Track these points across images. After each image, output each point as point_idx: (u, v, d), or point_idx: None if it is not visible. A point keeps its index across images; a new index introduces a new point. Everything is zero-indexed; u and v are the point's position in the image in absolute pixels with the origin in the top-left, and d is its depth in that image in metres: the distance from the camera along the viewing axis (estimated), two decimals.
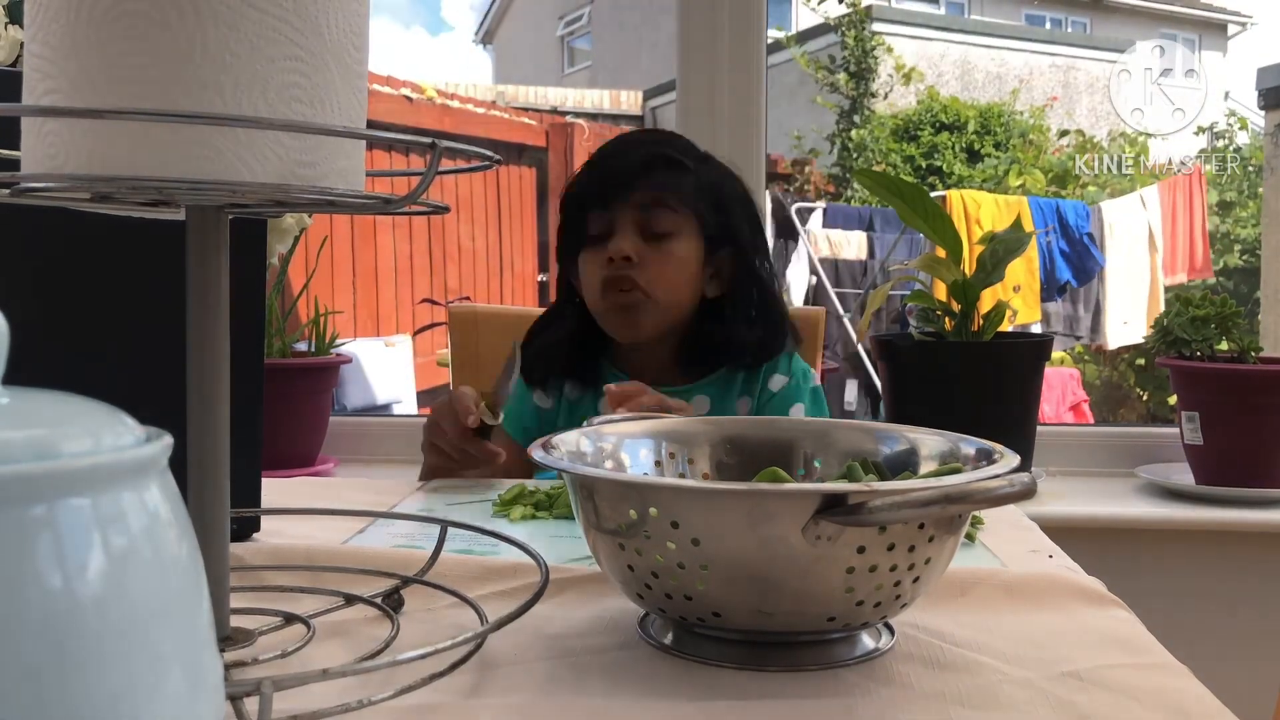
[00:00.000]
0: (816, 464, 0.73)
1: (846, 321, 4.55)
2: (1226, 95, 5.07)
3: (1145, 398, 5.41)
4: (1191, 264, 4.68)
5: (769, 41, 2.00)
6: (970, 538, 0.85)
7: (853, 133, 6.77)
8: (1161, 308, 4.37)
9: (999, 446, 0.64)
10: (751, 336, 1.32)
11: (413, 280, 4.94)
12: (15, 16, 1.13)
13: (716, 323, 1.31)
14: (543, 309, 1.47)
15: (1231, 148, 5.03)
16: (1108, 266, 4.59)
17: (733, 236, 1.31)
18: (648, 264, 1.26)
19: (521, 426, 1.33)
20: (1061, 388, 4.50)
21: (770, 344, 1.33)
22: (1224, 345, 1.73)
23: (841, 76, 6.89)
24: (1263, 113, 4.21)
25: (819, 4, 6.84)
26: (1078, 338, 4.82)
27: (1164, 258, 4.62)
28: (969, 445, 0.67)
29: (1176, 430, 1.78)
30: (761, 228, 1.37)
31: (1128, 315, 4.60)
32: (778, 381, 1.34)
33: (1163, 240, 4.60)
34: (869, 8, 7.05)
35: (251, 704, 0.45)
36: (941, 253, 1.70)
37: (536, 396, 1.36)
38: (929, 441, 0.70)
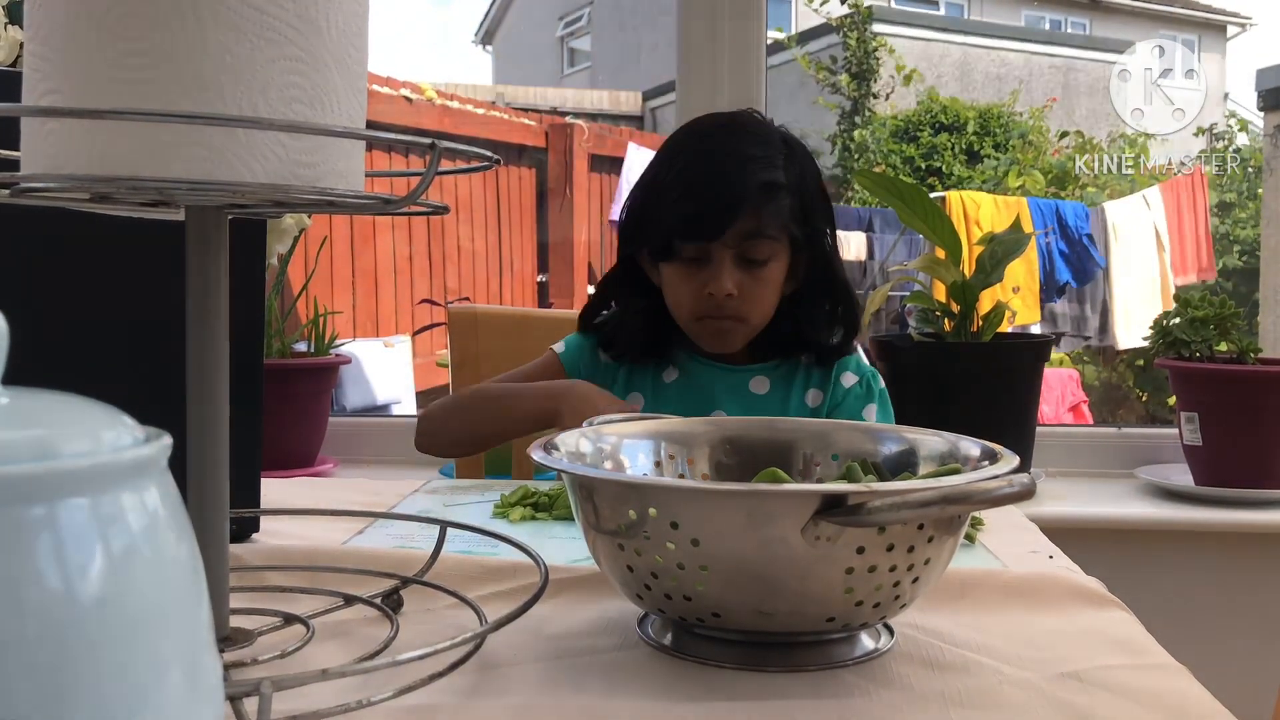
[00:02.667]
0: (816, 465, 0.73)
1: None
2: (1226, 96, 5.07)
3: (1144, 398, 5.41)
4: (1199, 264, 4.68)
5: (769, 42, 2.00)
6: (970, 538, 0.85)
7: (854, 133, 6.77)
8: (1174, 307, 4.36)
9: (998, 447, 0.64)
10: (828, 331, 1.33)
11: (412, 281, 4.94)
12: (15, 17, 1.13)
13: (795, 317, 1.31)
14: (542, 309, 1.48)
15: (1231, 149, 5.03)
16: (1114, 267, 4.59)
17: (815, 240, 1.30)
18: (745, 294, 1.26)
19: (578, 361, 1.36)
20: (1061, 388, 4.50)
21: (847, 339, 1.34)
22: (1223, 346, 1.73)
23: (843, 77, 6.89)
24: (1262, 114, 4.21)
25: (821, 4, 6.84)
26: (1085, 338, 4.81)
27: (1173, 257, 4.62)
28: (968, 446, 0.67)
29: (1176, 431, 1.78)
30: (831, 210, 1.35)
31: (1137, 315, 4.59)
32: (849, 379, 1.34)
33: (1170, 240, 4.60)
34: (870, 8, 7.05)
35: (251, 704, 0.45)
36: (941, 254, 1.70)
37: (601, 354, 1.38)
38: (928, 442, 0.70)
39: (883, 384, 1.37)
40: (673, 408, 1.28)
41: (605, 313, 1.39)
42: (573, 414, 1.13)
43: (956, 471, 0.63)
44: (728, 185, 1.25)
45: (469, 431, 1.34)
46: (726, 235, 1.24)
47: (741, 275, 1.25)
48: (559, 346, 1.38)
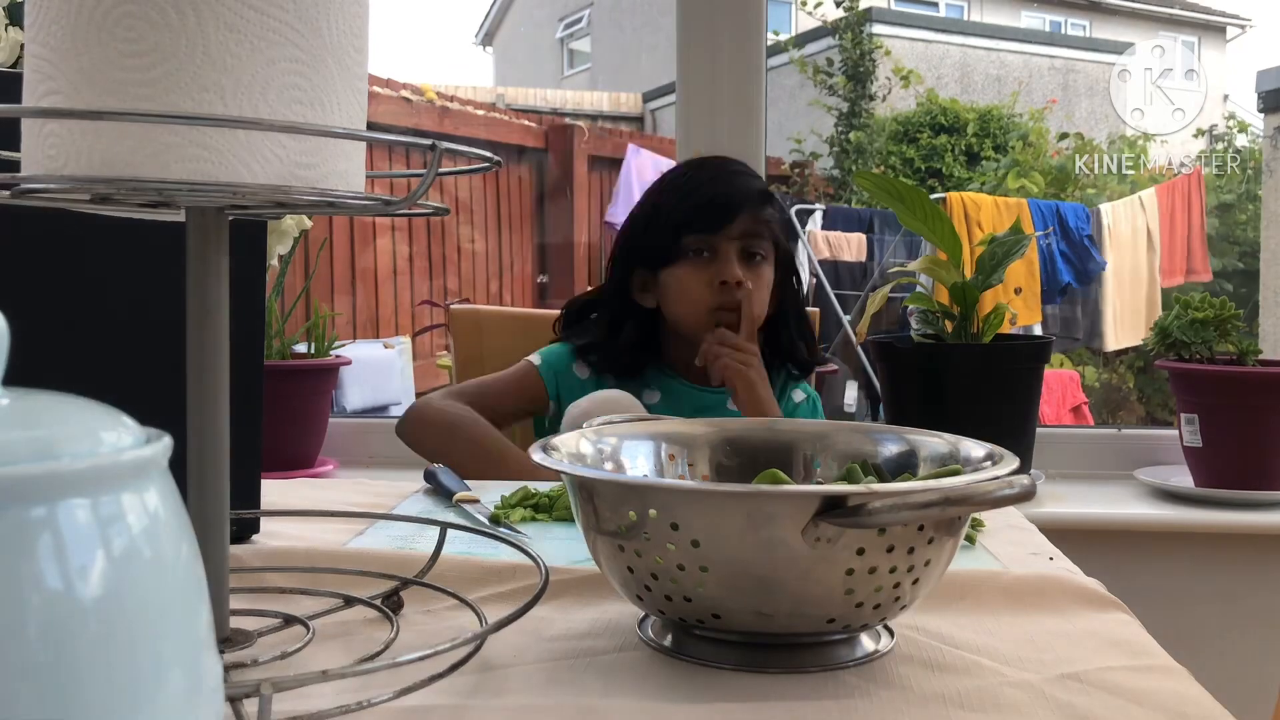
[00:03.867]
0: (816, 466, 0.73)
1: (846, 323, 4.55)
2: (1225, 98, 5.07)
3: (1144, 400, 5.41)
4: (1189, 267, 4.68)
5: (768, 44, 2.00)
6: (970, 540, 0.85)
7: (851, 135, 6.77)
8: (1160, 310, 4.37)
9: (998, 448, 0.64)
10: (801, 350, 1.52)
11: (412, 282, 4.94)
12: (16, 18, 1.13)
13: (773, 336, 1.49)
14: (543, 309, 1.53)
15: (1230, 150, 5.03)
16: (1108, 269, 4.59)
17: (791, 264, 1.51)
18: (749, 287, 1.41)
19: (554, 374, 1.47)
20: (1061, 390, 4.50)
21: (813, 358, 1.54)
22: (1223, 348, 1.73)
23: (840, 79, 6.89)
24: (1262, 115, 4.22)
25: (815, 7, 6.84)
26: (1075, 339, 4.82)
27: (1161, 260, 4.63)
28: (969, 447, 0.67)
29: (1175, 433, 1.78)
30: (795, 263, 1.56)
31: (1126, 318, 4.60)
32: (799, 395, 1.53)
33: (1160, 243, 4.60)
34: (868, 10, 7.05)
35: (251, 705, 0.45)
36: (941, 255, 1.70)
37: (577, 366, 1.48)
38: (929, 443, 0.70)
39: (820, 406, 1.59)
40: None
41: (586, 323, 1.51)
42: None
43: (957, 473, 0.63)
44: (730, 185, 1.45)
45: (446, 457, 1.29)
46: (731, 231, 1.40)
47: (747, 271, 1.41)
48: (535, 359, 1.48)
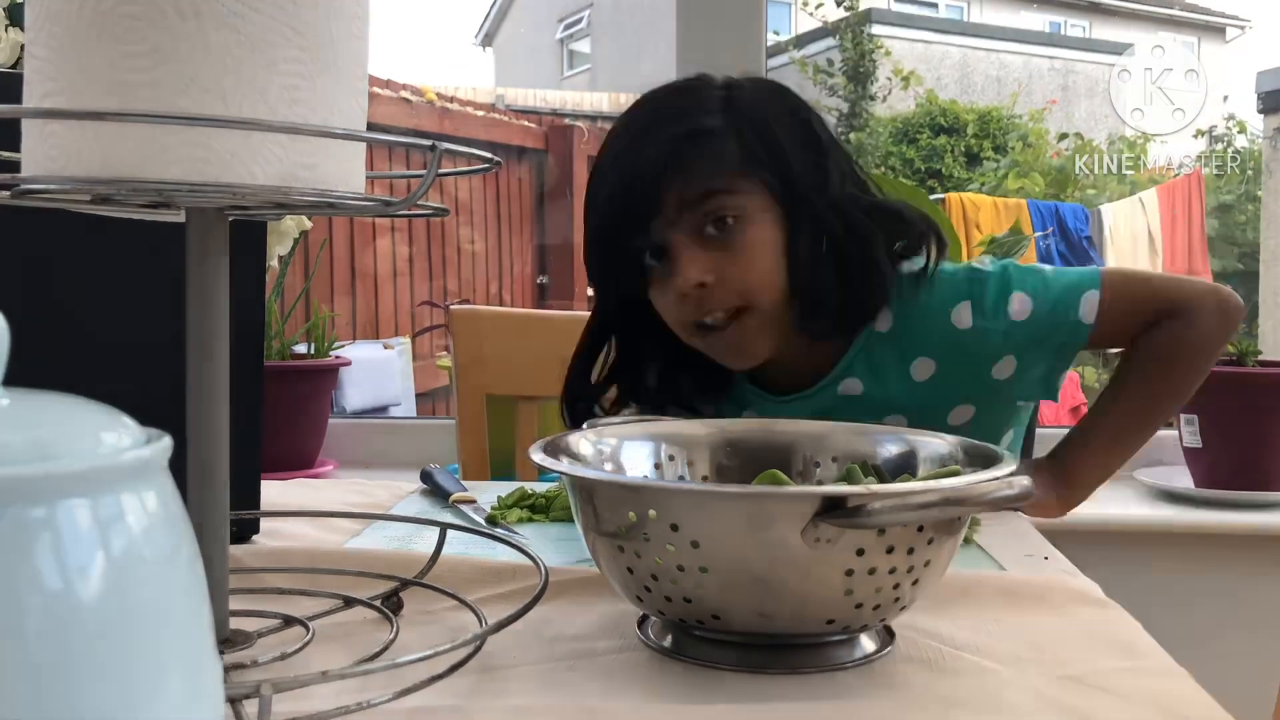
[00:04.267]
0: (816, 466, 0.73)
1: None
2: (1225, 99, 5.07)
3: None
4: (1190, 268, 4.68)
5: (768, 44, 2.00)
6: (968, 540, 0.85)
7: (851, 135, 6.78)
8: None
9: (998, 449, 0.64)
10: (879, 276, 1.01)
11: (412, 283, 4.94)
12: (16, 18, 1.13)
13: (817, 296, 1.00)
14: (543, 310, 1.45)
15: (1230, 151, 5.03)
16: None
17: (796, 178, 1.00)
18: (727, 275, 0.98)
19: None
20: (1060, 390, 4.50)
21: (929, 260, 1.03)
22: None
23: (840, 80, 6.89)
24: (1261, 116, 4.22)
25: (816, 8, 6.84)
26: None
27: (1164, 261, 4.63)
28: (968, 448, 0.67)
29: (1175, 433, 1.78)
30: (823, 139, 1.04)
31: None
32: (963, 315, 1.02)
33: (1162, 243, 4.60)
34: (868, 10, 7.05)
35: (251, 706, 0.45)
36: None
37: None
38: (928, 444, 0.70)
39: (1003, 265, 1.05)
40: None
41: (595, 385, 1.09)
42: None
43: (956, 473, 0.63)
44: (637, 160, 0.98)
45: None
46: (664, 213, 0.97)
47: (713, 255, 0.97)
48: None
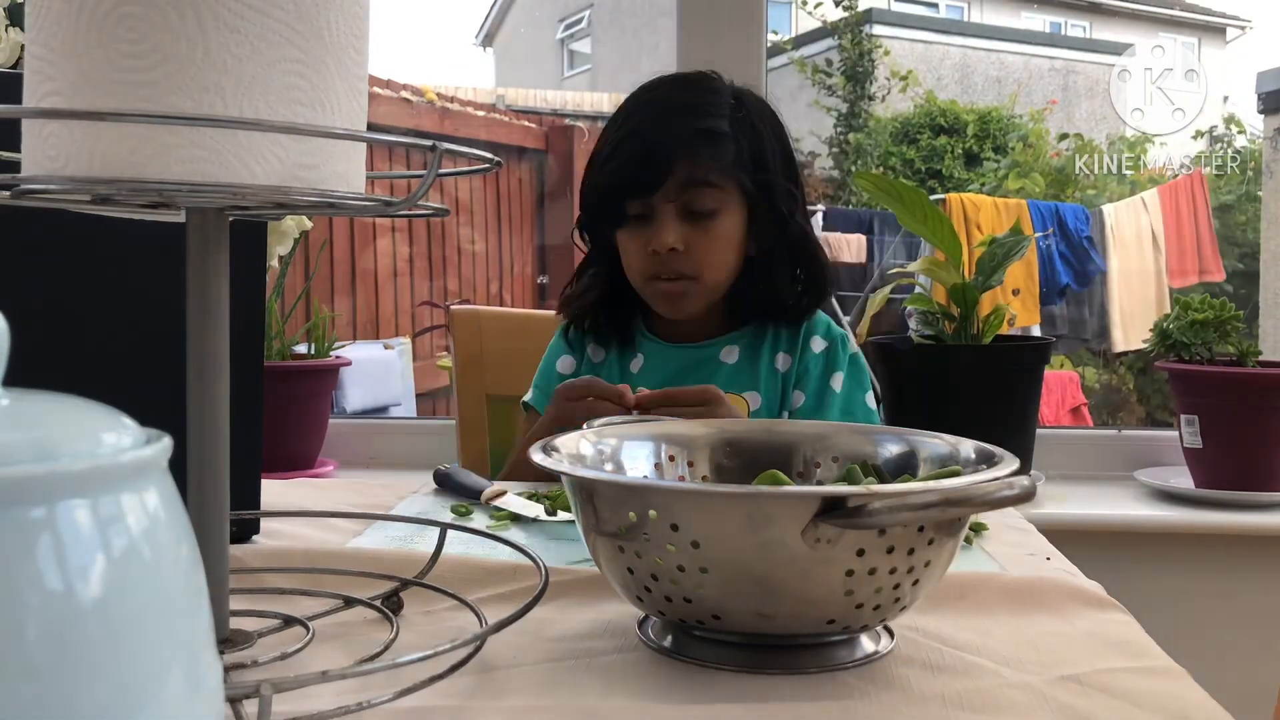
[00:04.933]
0: (816, 467, 0.73)
1: (846, 325, 4.54)
2: (1225, 99, 5.07)
3: (1144, 401, 5.41)
4: (1201, 267, 4.68)
5: (768, 44, 2.00)
6: (968, 541, 0.85)
7: (850, 136, 6.77)
8: (1168, 311, 4.36)
9: (998, 449, 0.64)
10: (793, 294, 1.29)
11: (412, 283, 4.94)
12: (16, 19, 1.13)
13: (757, 281, 1.28)
14: (543, 310, 1.47)
15: (1230, 151, 5.03)
16: (1113, 270, 4.59)
17: (772, 194, 1.25)
18: (693, 249, 1.22)
19: (548, 391, 1.31)
20: (1061, 391, 4.50)
21: (813, 300, 1.31)
22: (1223, 349, 1.73)
23: (839, 80, 6.89)
24: (1262, 116, 4.22)
25: (815, 7, 6.84)
26: (1084, 340, 4.81)
27: (1169, 261, 4.62)
28: (968, 448, 0.67)
29: (1175, 434, 1.78)
30: (797, 171, 1.31)
31: (1135, 319, 4.59)
32: (818, 344, 1.31)
33: (1166, 243, 4.60)
34: (868, 10, 7.05)
35: (251, 706, 0.45)
36: (941, 256, 1.70)
37: (561, 362, 1.36)
38: (928, 444, 0.70)
39: (855, 347, 1.34)
40: None
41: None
42: (560, 414, 1.09)
43: (956, 474, 0.63)
44: (663, 133, 1.22)
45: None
46: (666, 187, 1.20)
47: (688, 230, 1.22)
48: (527, 396, 1.36)
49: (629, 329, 1.34)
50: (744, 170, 1.23)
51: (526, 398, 1.37)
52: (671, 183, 1.20)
